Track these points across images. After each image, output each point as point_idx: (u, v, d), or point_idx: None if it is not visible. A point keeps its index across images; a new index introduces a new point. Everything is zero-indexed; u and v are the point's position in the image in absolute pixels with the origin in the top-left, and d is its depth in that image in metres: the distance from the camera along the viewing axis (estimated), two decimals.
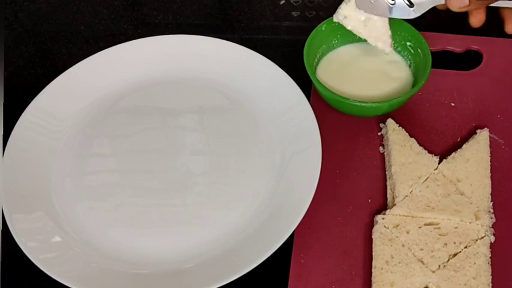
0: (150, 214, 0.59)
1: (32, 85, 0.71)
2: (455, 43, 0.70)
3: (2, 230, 0.55)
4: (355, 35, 0.67)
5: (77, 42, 0.77)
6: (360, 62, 0.67)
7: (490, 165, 0.59)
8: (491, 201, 0.57)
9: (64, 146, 0.63)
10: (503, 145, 0.62)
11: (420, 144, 0.61)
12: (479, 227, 0.55)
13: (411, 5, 0.57)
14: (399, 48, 0.66)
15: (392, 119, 0.63)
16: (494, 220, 0.56)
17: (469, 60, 0.70)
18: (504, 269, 0.54)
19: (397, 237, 0.55)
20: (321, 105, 0.64)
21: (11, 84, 0.72)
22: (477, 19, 0.57)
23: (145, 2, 0.82)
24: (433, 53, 0.63)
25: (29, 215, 0.57)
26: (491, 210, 0.57)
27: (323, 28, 0.65)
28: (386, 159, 0.61)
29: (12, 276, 0.57)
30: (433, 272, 0.53)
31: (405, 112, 0.64)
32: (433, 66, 0.62)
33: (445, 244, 0.54)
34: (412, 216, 0.56)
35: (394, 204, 0.57)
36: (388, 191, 0.59)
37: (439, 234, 0.55)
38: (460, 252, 0.54)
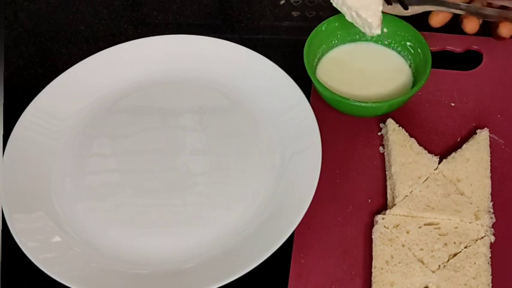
0: (150, 214, 0.59)
1: (32, 85, 0.71)
2: (455, 43, 0.70)
3: (2, 230, 0.55)
4: (354, 35, 0.67)
5: (77, 42, 0.77)
6: (360, 62, 0.67)
7: (490, 165, 0.59)
8: (491, 201, 0.57)
9: (64, 146, 0.63)
10: (503, 145, 0.62)
11: (420, 144, 0.61)
12: (479, 227, 0.55)
13: None
14: (399, 48, 0.66)
15: (392, 119, 0.63)
16: (494, 220, 0.56)
17: (469, 60, 0.70)
18: (504, 269, 0.54)
19: (397, 237, 0.55)
20: (321, 105, 0.64)
21: (11, 84, 0.72)
22: (469, 28, 0.57)
23: (145, 2, 0.82)
24: (433, 53, 0.63)
25: (29, 215, 0.57)
26: (491, 210, 0.57)
27: (323, 28, 0.66)
28: (386, 159, 0.61)
29: (12, 276, 0.57)
30: (433, 272, 0.53)
31: (405, 112, 0.64)
32: (433, 66, 0.62)
33: (445, 244, 0.54)
34: (412, 216, 0.56)
35: (394, 204, 0.57)
36: (388, 191, 0.59)
37: (439, 234, 0.55)
38: (460, 252, 0.54)
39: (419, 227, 0.55)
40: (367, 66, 0.66)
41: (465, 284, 0.52)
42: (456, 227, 0.55)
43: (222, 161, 0.62)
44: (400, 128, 0.62)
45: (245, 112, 0.65)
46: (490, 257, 0.54)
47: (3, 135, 0.58)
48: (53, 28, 0.79)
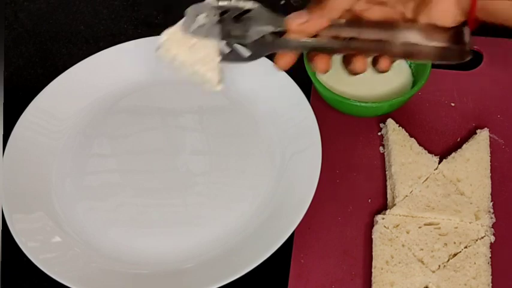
0: (150, 214, 0.59)
1: (32, 85, 0.71)
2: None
3: (2, 230, 0.55)
4: None
5: (77, 42, 0.77)
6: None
7: (490, 165, 0.59)
8: (491, 201, 0.57)
9: (64, 146, 0.63)
10: (503, 145, 0.62)
11: (420, 144, 0.61)
12: (479, 227, 0.55)
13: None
14: None
15: (392, 119, 0.63)
16: (494, 220, 0.56)
17: (469, 60, 0.69)
18: (504, 269, 0.54)
19: (397, 237, 0.55)
20: (321, 105, 0.64)
21: (11, 84, 0.72)
22: (320, 67, 0.50)
23: (145, 2, 0.82)
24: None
25: (29, 215, 0.57)
26: (491, 210, 0.57)
27: None
28: (386, 159, 0.61)
29: (12, 276, 0.57)
30: (433, 272, 0.53)
31: (405, 112, 0.64)
32: (433, 66, 0.62)
33: (445, 244, 0.54)
34: (412, 216, 0.56)
35: (394, 204, 0.57)
36: (388, 191, 0.59)
37: (439, 234, 0.55)
38: (460, 252, 0.54)
39: (419, 227, 0.55)
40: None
41: (465, 284, 0.52)
42: (456, 227, 0.55)
43: (222, 161, 0.62)
44: (400, 128, 0.62)
45: (245, 112, 0.65)
46: (490, 257, 0.54)
47: (3, 135, 0.58)
48: (53, 28, 0.79)
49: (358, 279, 0.54)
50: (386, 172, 0.61)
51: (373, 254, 0.54)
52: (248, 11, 0.50)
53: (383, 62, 0.48)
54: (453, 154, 0.60)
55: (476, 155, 0.59)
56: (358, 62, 0.48)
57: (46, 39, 0.78)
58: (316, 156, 0.58)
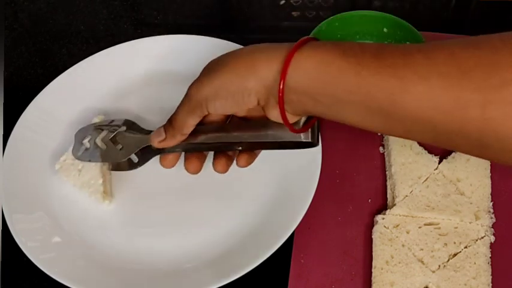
0: (150, 214, 0.59)
1: (32, 85, 0.71)
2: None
3: (2, 230, 0.55)
4: (354, 35, 0.67)
5: (77, 42, 0.77)
6: None
7: (490, 165, 0.59)
8: (491, 201, 0.57)
9: (64, 146, 0.63)
10: None
11: (420, 144, 0.61)
12: (479, 227, 0.55)
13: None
14: None
15: None
16: (494, 220, 0.56)
17: None
18: (504, 269, 0.54)
19: (397, 237, 0.55)
20: None
21: (11, 84, 0.72)
22: (168, 165, 0.54)
23: (145, 2, 0.82)
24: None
25: (29, 215, 0.57)
26: (491, 210, 0.57)
27: (323, 28, 0.65)
28: (386, 159, 0.61)
29: (12, 276, 0.57)
30: (433, 272, 0.53)
31: None
32: None
33: (445, 244, 0.54)
34: (412, 216, 0.56)
35: (394, 204, 0.57)
36: (388, 191, 0.59)
37: (439, 234, 0.55)
38: (460, 252, 0.54)
39: (419, 227, 0.55)
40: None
41: (465, 284, 0.52)
42: (456, 227, 0.55)
43: None
44: None
45: None
46: (490, 257, 0.54)
47: (3, 135, 0.58)
48: (53, 28, 0.79)
49: (358, 279, 0.54)
50: (387, 172, 0.61)
51: (373, 254, 0.54)
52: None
53: (243, 159, 0.52)
54: (453, 154, 0.60)
55: None
56: (217, 163, 0.52)
57: (46, 39, 0.78)
58: (316, 156, 0.58)
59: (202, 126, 0.50)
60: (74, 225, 0.58)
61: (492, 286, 0.52)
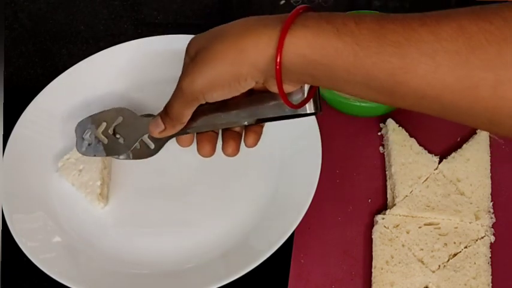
0: (150, 214, 0.59)
1: (32, 85, 0.71)
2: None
3: (2, 230, 0.55)
4: None
5: (77, 42, 0.77)
6: None
7: (490, 165, 0.59)
8: (491, 201, 0.57)
9: (64, 146, 0.63)
10: (503, 145, 0.62)
11: (420, 144, 0.61)
12: (479, 227, 0.55)
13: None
14: None
15: (392, 119, 0.63)
16: (494, 220, 0.56)
17: None
18: (504, 269, 0.54)
19: (397, 237, 0.55)
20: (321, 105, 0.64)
21: (11, 84, 0.72)
22: (185, 145, 0.52)
23: (145, 2, 0.82)
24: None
25: (29, 215, 0.57)
26: (491, 210, 0.57)
27: None
28: (386, 159, 0.61)
29: (12, 276, 0.57)
30: (433, 272, 0.53)
31: (405, 112, 0.64)
32: None
33: (445, 244, 0.54)
34: (412, 216, 0.56)
35: (394, 204, 0.57)
36: (388, 191, 0.59)
37: (439, 234, 0.55)
38: (460, 252, 0.54)
39: (419, 227, 0.55)
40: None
41: (465, 284, 0.52)
42: (456, 227, 0.55)
43: (222, 161, 0.62)
44: (400, 128, 0.62)
45: None
46: (490, 257, 0.54)
47: (3, 135, 0.58)
48: (53, 28, 0.79)
49: (358, 279, 0.54)
50: (387, 172, 0.61)
51: (373, 254, 0.54)
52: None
53: (251, 138, 0.50)
54: (453, 154, 0.60)
55: (476, 155, 0.59)
56: (226, 148, 0.51)
57: (46, 39, 0.78)
58: (316, 156, 0.58)
59: (202, 107, 0.47)
60: (74, 225, 0.58)
61: (492, 286, 0.52)
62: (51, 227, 0.57)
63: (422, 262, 0.54)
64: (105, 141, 0.55)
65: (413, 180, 0.58)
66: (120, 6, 0.81)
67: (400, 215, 0.56)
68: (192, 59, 0.45)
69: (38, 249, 0.54)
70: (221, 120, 0.48)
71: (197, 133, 0.51)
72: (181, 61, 0.69)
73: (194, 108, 0.47)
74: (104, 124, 0.56)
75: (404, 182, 0.58)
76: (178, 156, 0.62)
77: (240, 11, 0.80)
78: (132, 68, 0.68)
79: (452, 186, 0.58)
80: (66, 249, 0.56)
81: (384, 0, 0.79)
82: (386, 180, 0.60)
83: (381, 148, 0.63)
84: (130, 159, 0.55)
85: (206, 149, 0.51)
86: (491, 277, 0.53)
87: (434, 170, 0.59)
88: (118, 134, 0.55)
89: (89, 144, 0.56)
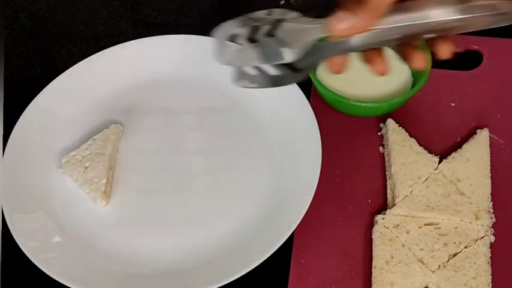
0: (150, 214, 0.59)
1: (32, 85, 0.71)
2: (455, 43, 0.70)
3: (2, 230, 0.55)
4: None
5: (77, 42, 0.77)
6: (360, 61, 0.66)
7: (490, 165, 0.59)
8: (491, 201, 0.57)
9: (64, 146, 0.63)
10: (503, 145, 0.62)
11: (420, 144, 0.61)
12: (479, 227, 0.55)
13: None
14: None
15: (392, 119, 0.63)
16: (494, 220, 0.56)
17: (469, 60, 0.70)
18: (504, 269, 0.54)
19: (397, 237, 0.55)
20: (321, 105, 0.64)
21: (11, 84, 0.72)
22: (337, 69, 0.44)
23: (145, 2, 0.82)
24: (433, 53, 0.63)
25: (29, 215, 0.57)
26: (491, 210, 0.57)
27: None
28: (386, 159, 0.61)
29: (12, 276, 0.57)
30: (433, 272, 0.53)
31: (405, 112, 0.64)
32: (433, 66, 0.62)
33: (445, 244, 0.54)
34: (412, 216, 0.56)
35: (394, 204, 0.57)
36: (388, 191, 0.59)
37: (439, 234, 0.55)
38: (460, 252, 0.54)
39: (419, 227, 0.55)
40: (367, 66, 0.66)
41: (465, 284, 0.52)
42: (456, 227, 0.55)
43: (222, 161, 0.62)
44: (400, 128, 0.62)
45: (245, 112, 0.65)
46: (490, 257, 0.54)
47: (3, 135, 0.58)
48: (53, 28, 0.79)
49: (358, 279, 0.54)
50: (386, 172, 0.61)
51: (373, 254, 0.54)
52: (278, 23, 0.43)
53: (445, 46, 0.43)
54: (453, 154, 0.60)
55: (476, 155, 0.59)
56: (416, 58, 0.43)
57: (46, 39, 0.78)
58: (316, 156, 0.58)
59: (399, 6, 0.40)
60: (74, 225, 0.58)
61: (492, 286, 0.52)
62: (51, 227, 0.57)
63: (422, 262, 0.54)
64: (265, 46, 0.43)
65: (413, 180, 0.58)
66: (120, 6, 0.81)
67: (400, 215, 0.56)
68: None
69: (38, 249, 0.54)
70: (426, 24, 0.40)
71: (364, 51, 0.44)
72: (181, 61, 0.69)
73: None
74: (266, 26, 0.44)
75: (404, 182, 0.58)
76: (178, 156, 0.62)
77: (240, 11, 0.80)
78: (132, 68, 0.68)
79: (452, 186, 0.58)
80: (66, 249, 0.56)
81: None
82: (386, 180, 0.60)
83: (380, 148, 0.63)
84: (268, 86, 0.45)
85: (381, 64, 0.44)
86: (491, 277, 0.53)
87: (434, 170, 0.59)
88: (278, 39, 0.43)
89: (237, 51, 0.45)
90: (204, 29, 0.79)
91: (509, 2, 0.37)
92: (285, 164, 0.60)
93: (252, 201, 0.59)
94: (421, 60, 0.45)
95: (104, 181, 0.59)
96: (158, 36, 0.70)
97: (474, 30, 0.41)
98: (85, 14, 0.80)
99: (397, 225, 0.56)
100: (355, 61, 0.67)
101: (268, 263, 0.52)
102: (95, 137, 0.62)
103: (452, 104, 0.65)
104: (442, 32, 0.41)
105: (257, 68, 0.45)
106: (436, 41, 0.44)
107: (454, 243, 0.54)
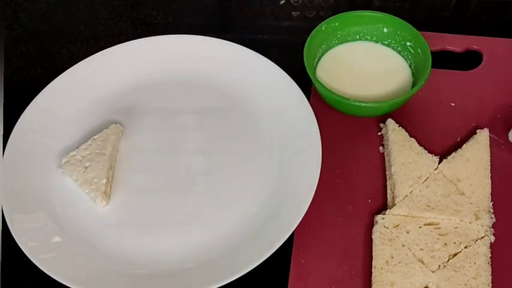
0: (150, 214, 0.59)
1: (32, 85, 0.71)
2: (455, 43, 0.70)
3: (2, 230, 0.55)
4: (354, 35, 0.68)
5: (77, 42, 0.77)
6: (360, 61, 0.67)
7: (490, 165, 0.59)
8: (491, 201, 0.57)
9: (64, 146, 0.63)
10: (503, 145, 0.62)
11: (420, 144, 0.61)
12: (479, 227, 0.55)
13: None
14: (399, 48, 0.66)
15: (392, 119, 0.63)
16: (494, 220, 0.56)
17: (469, 60, 0.70)
18: (504, 269, 0.54)
19: (397, 237, 0.55)
20: (321, 105, 0.64)
21: (11, 84, 0.72)
22: None
23: (145, 2, 0.82)
24: (433, 53, 0.63)
25: (29, 215, 0.57)
26: (491, 210, 0.57)
27: (323, 28, 0.66)
28: (386, 159, 0.61)
29: (12, 276, 0.57)
30: (433, 272, 0.53)
31: (405, 112, 0.64)
32: (433, 66, 0.62)
33: (445, 244, 0.54)
34: (412, 216, 0.56)
35: (394, 204, 0.57)
36: (388, 191, 0.59)
37: (439, 234, 0.55)
38: (460, 252, 0.54)
39: (419, 227, 0.55)
40: (367, 66, 0.66)
41: (465, 284, 0.52)
42: (456, 227, 0.55)
43: (222, 161, 0.62)
44: (400, 128, 0.62)
45: (245, 112, 0.65)
46: (490, 257, 0.54)
47: (3, 135, 0.58)
48: (53, 28, 0.79)
49: (358, 279, 0.54)
50: (386, 172, 0.61)
51: (373, 254, 0.54)
52: None
53: None
54: (453, 154, 0.60)
55: (476, 155, 0.59)
56: None
57: (46, 39, 0.78)
58: (316, 156, 0.58)
59: None
60: (74, 225, 0.58)
61: (492, 286, 0.52)
62: (51, 227, 0.57)
63: (422, 262, 0.54)
64: None
65: (413, 180, 0.58)
66: (120, 6, 0.81)
67: (400, 215, 0.56)
68: None
69: (38, 249, 0.54)
70: None
71: None
72: (181, 61, 0.69)
73: None
74: None
75: (404, 182, 0.58)
76: (178, 156, 0.62)
77: (240, 11, 0.81)
78: (132, 68, 0.68)
79: (452, 186, 0.58)
80: (66, 249, 0.56)
81: (384, 0, 0.79)
82: (386, 180, 0.60)
83: (381, 148, 0.63)
84: None
85: None
86: (491, 277, 0.53)
87: (434, 170, 0.59)
88: None
89: None
90: (204, 29, 0.79)
91: None
92: (285, 164, 0.60)
93: (252, 201, 0.59)
94: None
95: (104, 181, 0.59)
96: (158, 36, 0.70)
97: None
98: (85, 14, 0.80)
99: (397, 225, 0.56)
100: (355, 61, 0.68)
101: (268, 263, 0.52)
102: (95, 137, 0.62)
103: (452, 104, 0.65)
104: None
105: None
106: None
107: (454, 243, 0.54)
